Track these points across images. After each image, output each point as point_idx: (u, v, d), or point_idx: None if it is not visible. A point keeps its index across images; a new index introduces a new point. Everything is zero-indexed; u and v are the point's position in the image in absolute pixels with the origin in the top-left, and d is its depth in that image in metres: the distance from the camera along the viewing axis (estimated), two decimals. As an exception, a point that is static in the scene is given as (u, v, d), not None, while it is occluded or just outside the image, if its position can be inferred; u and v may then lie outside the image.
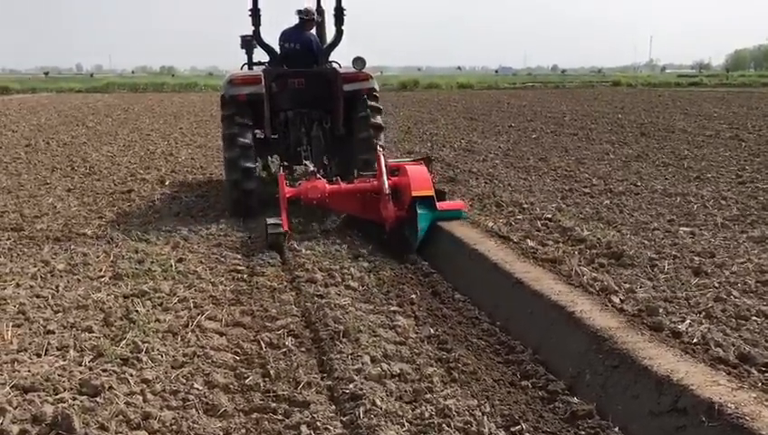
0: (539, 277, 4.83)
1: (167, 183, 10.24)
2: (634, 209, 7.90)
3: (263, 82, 8.28)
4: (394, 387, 3.64)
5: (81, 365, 3.89)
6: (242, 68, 9.30)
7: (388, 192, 6.88)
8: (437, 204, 6.75)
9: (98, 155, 13.48)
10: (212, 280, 5.51)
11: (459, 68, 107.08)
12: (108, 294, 5.08)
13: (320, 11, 9.49)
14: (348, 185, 7.35)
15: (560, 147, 14.21)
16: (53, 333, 4.34)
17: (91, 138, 17.09)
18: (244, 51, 9.39)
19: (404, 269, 5.96)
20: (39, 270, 5.70)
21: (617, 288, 4.79)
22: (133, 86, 49.94)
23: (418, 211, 6.60)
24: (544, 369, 3.96)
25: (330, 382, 3.74)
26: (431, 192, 6.76)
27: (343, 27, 8.80)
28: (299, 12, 8.84)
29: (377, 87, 8.73)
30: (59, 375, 3.72)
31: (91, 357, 3.98)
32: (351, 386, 3.59)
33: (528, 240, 6.25)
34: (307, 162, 7.88)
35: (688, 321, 4.17)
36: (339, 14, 8.74)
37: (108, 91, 46.53)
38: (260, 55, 9.32)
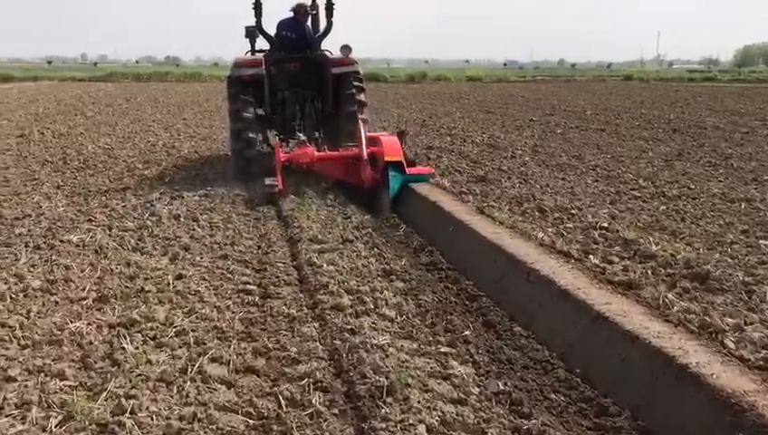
0: (625, 311, 3.86)
1: (167, 180, 9.27)
2: (697, 217, 6.94)
3: (263, 66, 9.74)
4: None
5: (44, 432, 2.95)
6: (245, 54, 10.44)
7: (366, 158, 8.15)
8: (407, 169, 7.97)
9: (94, 147, 12.52)
10: (217, 304, 4.55)
11: (467, 61, 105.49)
12: (89, 323, 4.13)
13: (313, 6, 10.64)
14: (333, 152, 8.79)
15: (590, 143, 13.23)
16: (15, 380, 3.39)
17: (89, 128, 16.14)
18: (247, 40, 10.47)
19: (446, 291, 4.98)
20: (10, 288, 4.73)
21: (722, 325, 3.83)
22: (137, 75, 48.85)
23: (390, 174, 7.81)
24: (653, 441, 3.01)
25: (374, 462, 2.79)
26: (400, 157, 7.96)
27: (333, 19, 10.07)
28: (296, 6, 10.17)
29: (361, 71, 10.24)
30: (12, 449, 2.78)
31: (59, 420, 3.03)
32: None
33: (590, 256, 5.29)
34: (300, 134, 9.06)
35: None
36: (329, 7, 10.02)
37: (111, 80, 45.45)
38: (262, 44, 10.53)
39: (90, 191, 8.43)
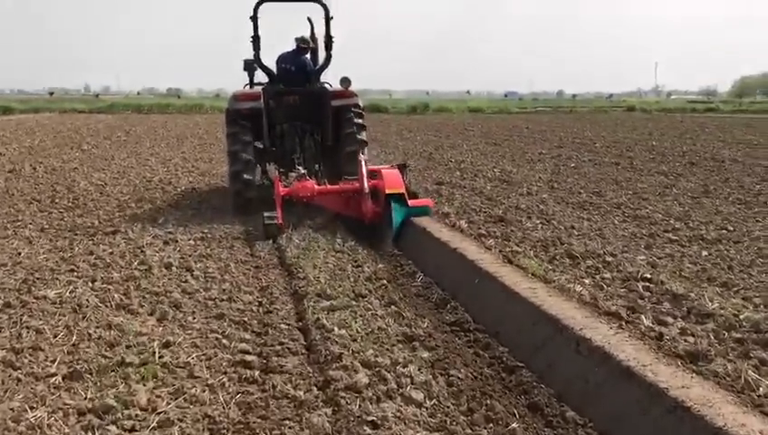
0: (708, 399, 3.14)
1: (160, 221, 8.58)
2: (746, 265, 6.24)
3: (262, 99, 9.69)
4: None
5: None
6: (244, 87, 10.31)
7: (367, 191, 8.03)
8: (409, 201, 7.86)
9: (86, 184, 11.86)
10: (209, 381, 3.83)
11: (468, 92, 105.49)
12: (53, 411, 3.41)
13: (313, 38, 10.56)
14: (333, 186, 8.66)
15: (608, 178, 12.59)
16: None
17: (84, 162, 15.53)
18: (246, 73, 10.30)
19: (479, 361, 4.26)
20: (-34, 361, 4.04)
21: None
22: (138, 107, 48.43)
23: (392, 206, 7.70)
24: None
25: None
26: (402, 190, 7.89)
27: (332, 52, 10.08)
28: (297, 39, 10.17)
29: (360, 103, 10.15)
30: None
31: None
32: None
33: (641, 317, 4.60)
34: (300, 167, 8.93)
35: None
36: (328, 41, 10.06)
37: (112, 111, 45.01)
38: (261, 77, 10.42)
39: (76, 235, 7.73)
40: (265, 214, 7.85)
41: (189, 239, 7.55)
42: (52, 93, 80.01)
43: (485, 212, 8.90)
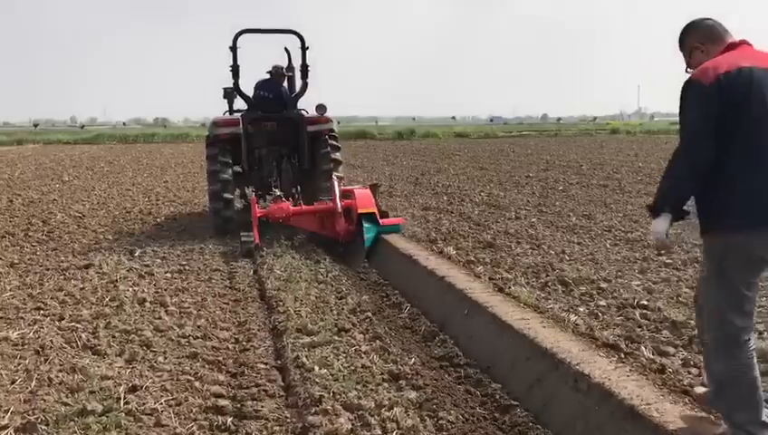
0: (721, 441, 2.88)
1: (137, 254, 8.25)
2: (745, 289, 6.00)
3: (240, 124, 10.01)
4: None
5: None
6: (224, 114, 10.69)
7: (340, 211, 8.46)
8: (380, 220, 8.40)
9: (63, 216, 11.51)
10: (177, 429, 3.51)
11: (454, 117, 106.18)
12: (2, 471, 3.10)
13: (290, 67, 10.93)
14: (308, 207, 8.96)
15: (597, 200, 12.39)
16: None
17: (64, 194, 15.17)
18: (225, 100, 10.72)
19: (470, 400, 3.97)
20: None
21: None
22: (123, 137, 48.16)
23: (364, 225, 8.22)
24: None
25: None
26: (373, 209, 8.43)
27: (308, 80, 10.51)
28: (269, 72, 10.56)
29: (335, 128, 10.66)
30: None
31: None
32: None
33: (641, 348, 4.34)
34: (276, 190, 9.38)
35: None
36: (304, 69, 10.50)
37: (97, 142, 44.75)
38: (240, 104, 10.85)
39: (47, 270, 7.39)
40: (242, 234, 8.41)
41: (166, 272, 7.23)
42: (36, 125, 79.59)
43: (474, 237, 8.64)
